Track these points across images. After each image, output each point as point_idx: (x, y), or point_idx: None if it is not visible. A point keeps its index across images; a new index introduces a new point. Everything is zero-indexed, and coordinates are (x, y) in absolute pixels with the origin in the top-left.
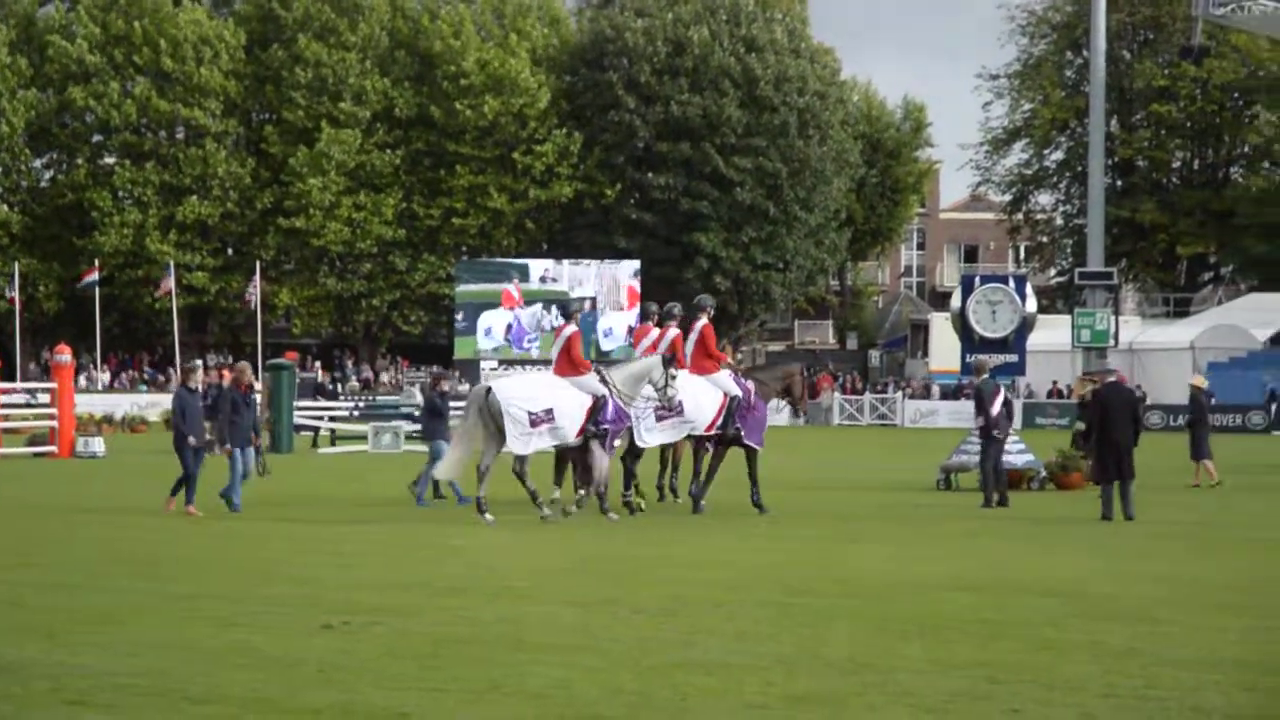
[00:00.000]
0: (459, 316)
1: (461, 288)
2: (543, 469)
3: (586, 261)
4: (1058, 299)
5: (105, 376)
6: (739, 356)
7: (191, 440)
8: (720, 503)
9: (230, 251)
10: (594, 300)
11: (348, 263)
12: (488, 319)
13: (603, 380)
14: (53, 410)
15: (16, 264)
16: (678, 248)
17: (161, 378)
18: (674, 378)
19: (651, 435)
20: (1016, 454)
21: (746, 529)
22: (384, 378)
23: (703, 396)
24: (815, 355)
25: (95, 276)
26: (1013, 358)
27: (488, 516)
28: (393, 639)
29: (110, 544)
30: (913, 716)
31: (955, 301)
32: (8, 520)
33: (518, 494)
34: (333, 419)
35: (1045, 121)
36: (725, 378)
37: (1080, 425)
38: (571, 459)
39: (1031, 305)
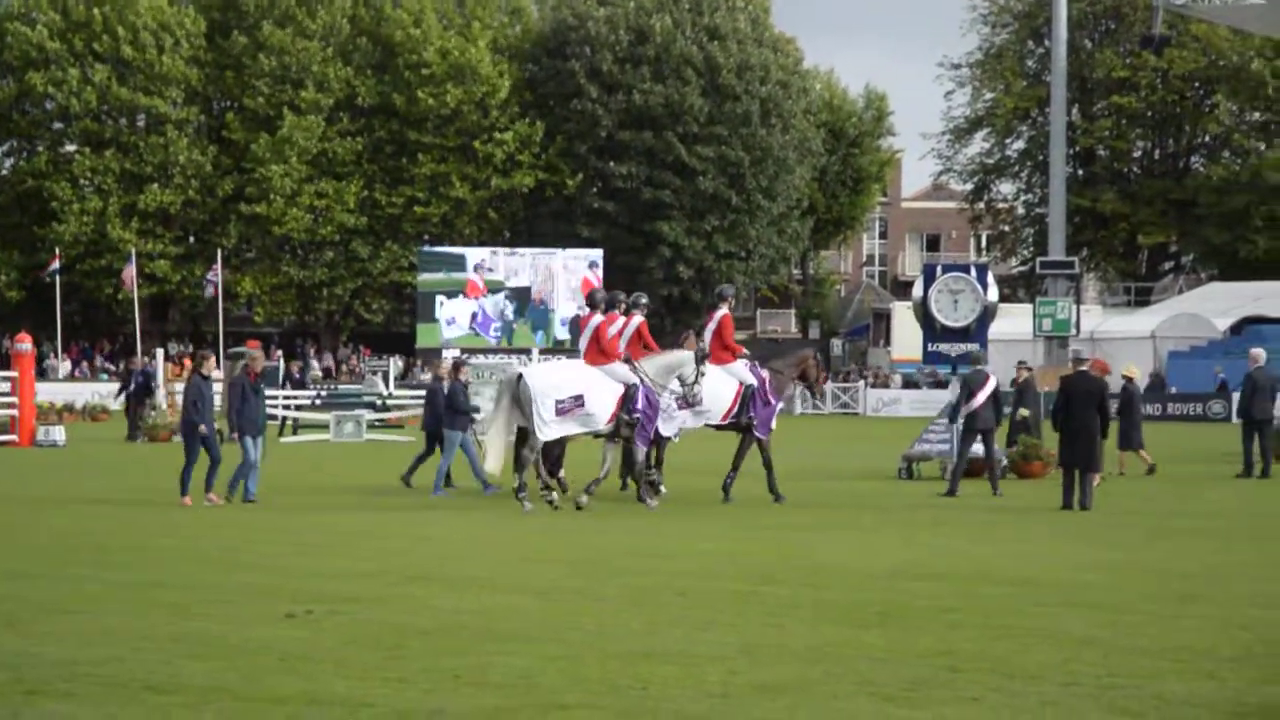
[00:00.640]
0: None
1: (424, 276)
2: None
3: (522, 251)
4: (1019, 288)
5: (66, 365)
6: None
7: (202, 429)
8: (684, 491)
9: (192, 240)
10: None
11: (309, 251)
12: (451, 308)
13: (633, 369)
14: (13, 399)
15: None
16: (640, 237)
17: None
18: (703, 374)
19: (669, 425)
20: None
21: (710, 518)
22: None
23: (720, 386)
24: (778, 344)
25: (58, 265)
26: (974, 347)
27: (527, 504)
28: (356, 628)
29: (70, 533)
30: (874, 705)
31: (917, 290)
32: None
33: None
34: (296, 408)
35: (1007, 111)
36: (741, 368)
37: (1024, 412)
38: (554, 452)
39: (993, 294)
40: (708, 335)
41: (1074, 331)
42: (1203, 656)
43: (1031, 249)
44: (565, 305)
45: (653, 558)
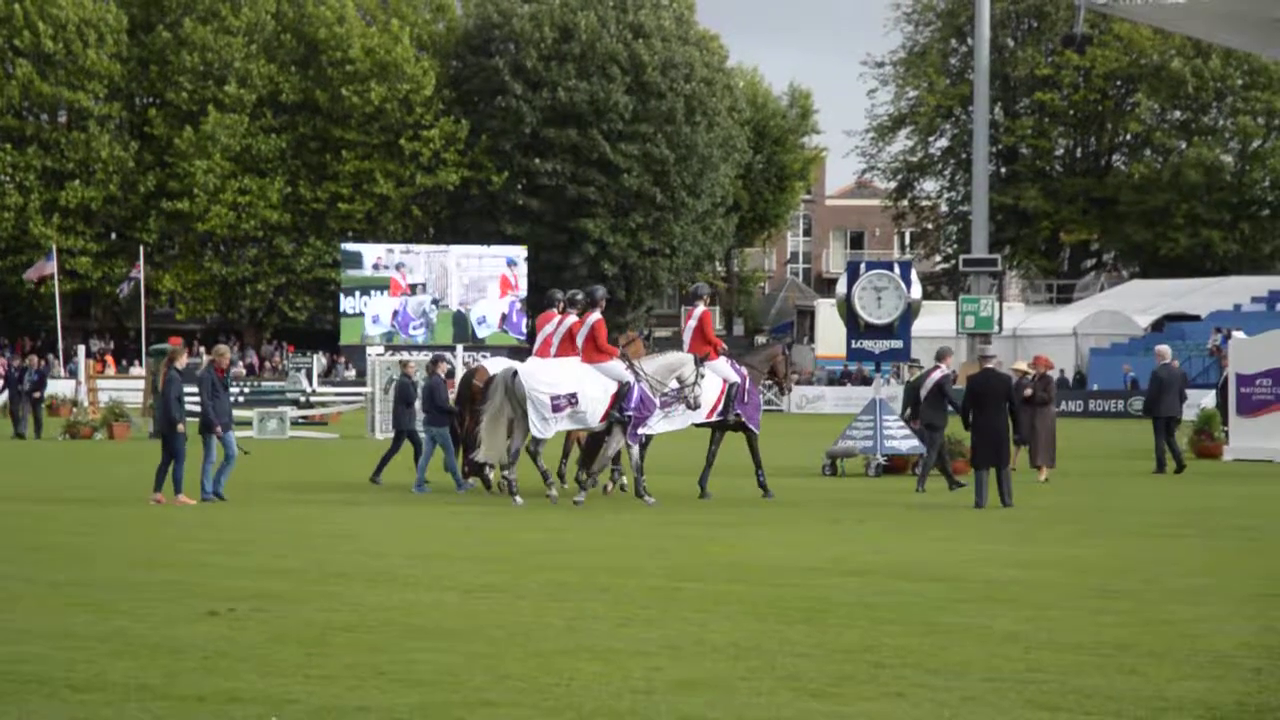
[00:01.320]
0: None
1: (348, 273)
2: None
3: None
4: (943, 285)
5: None
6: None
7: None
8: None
9: (113, 236)
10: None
11: (232, 247)
12: (374, 306)
13: (630, 368)
14: None
15: None
16: (565, 234)
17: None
18: (703, 376)
19: (657, 424)
20: (901, 439)
21: (634, 515)
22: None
23: (704, 383)
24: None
25: None
26: (897, 344)
27: (518, 499)
28: (278, 625)
29: None
30: (798, 700)
31: (841, 288)
32: None
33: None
34: None
35: (930, 109)
36: (724, 364)
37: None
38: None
39: (917, 291)
40: (688, 332)
41: (996, 329)
42: (1123, 651)
43: (955, 246)
44: (483, 304)
45: (575, 554)
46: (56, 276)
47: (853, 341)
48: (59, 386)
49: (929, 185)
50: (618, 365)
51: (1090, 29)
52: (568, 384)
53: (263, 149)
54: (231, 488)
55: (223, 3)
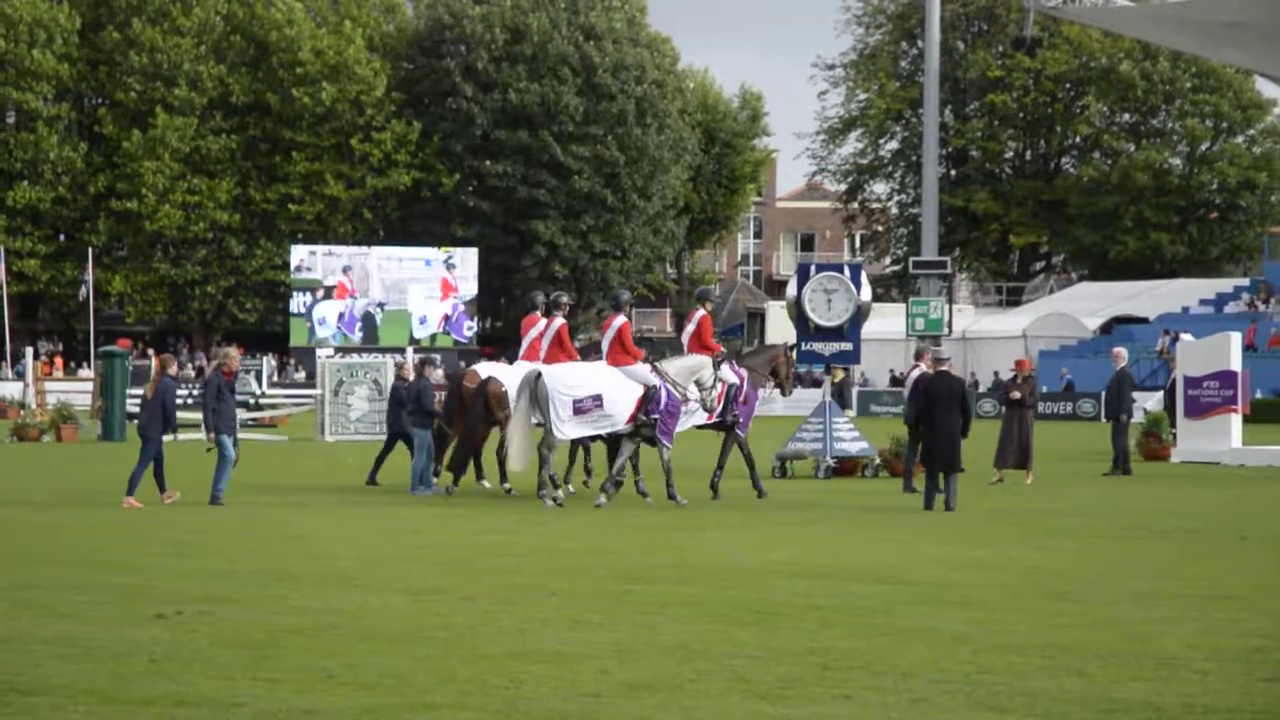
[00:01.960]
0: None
1: (298, 275)
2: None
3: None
4: (893, 288)
5: None
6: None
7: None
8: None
9: (62, 237)
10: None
11: (182, 248)
12: (322, 309)
13: (655, 371)
14: None
15: None
16: (516, 235)
17: None
18: (720, 379)
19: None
20: (850, 441)
21: (583, 517)
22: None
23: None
24: (653, 344)
25: None
26: (847, 346)
27: (548, 501)
28: (225, 628)
29: None
30: (746, 703)
31: (791, 290)
32: None
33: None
34: None
35: (880, 111)
36: (723, 367)
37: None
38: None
39: (866, 294)
40: (686, 335)
41: (946, 331)
42: (1071, 653)
43: (904, 249)
44: (421, 304)
45: (525, 556)
46: (4, 278)
47: (803, 344)
48: (7, 388)
49: (879, 188)
50: (643, 368)
51: (1040, 32)
52: (592, 386)
53: (212, 150)
54: (181, 489)
55: (172, 4)
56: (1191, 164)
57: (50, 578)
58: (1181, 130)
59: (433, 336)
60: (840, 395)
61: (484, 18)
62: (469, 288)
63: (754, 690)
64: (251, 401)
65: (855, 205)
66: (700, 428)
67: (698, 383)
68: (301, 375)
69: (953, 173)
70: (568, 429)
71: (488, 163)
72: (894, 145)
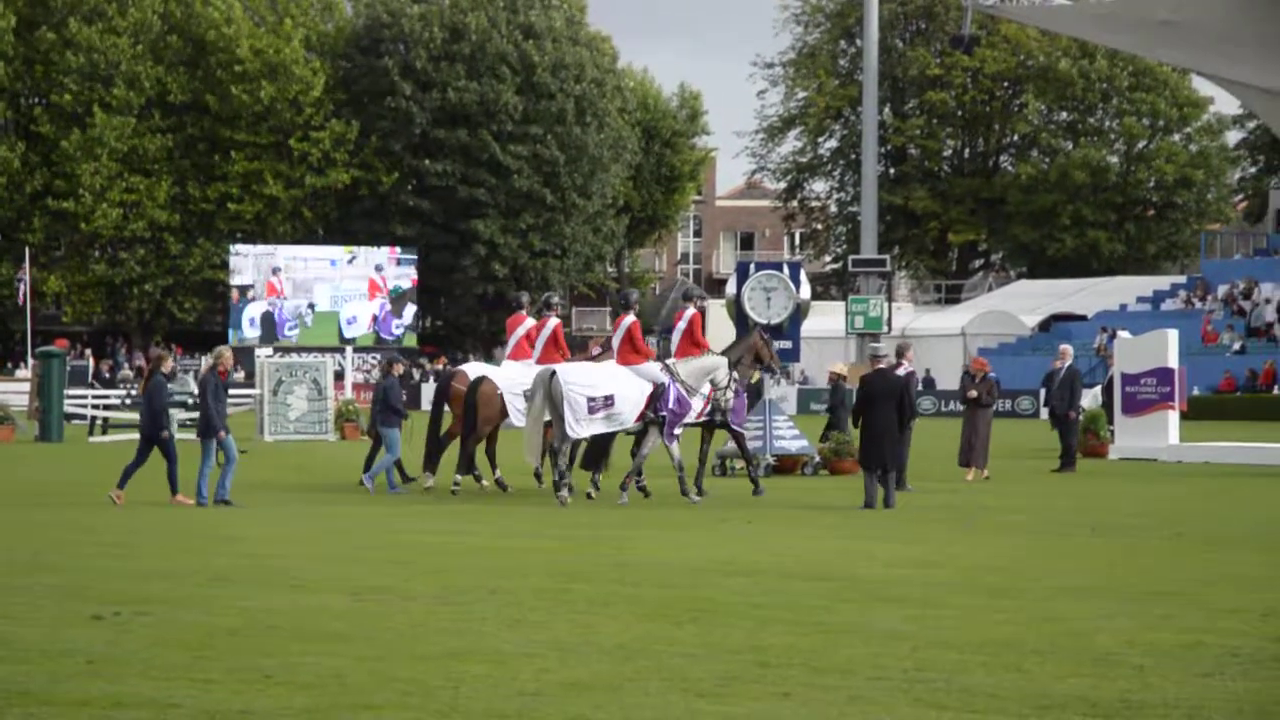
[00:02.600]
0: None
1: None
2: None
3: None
4: (832, 286)
5: None
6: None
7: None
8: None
9: None
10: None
11: (119, 248)
12: (252, 309)
13: (665, 370)
14: None
15: None
16: (455, 235)
17: None
18: (735, 379)
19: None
20: (791, 439)
21: (522, 516)
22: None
23: (634, 388)
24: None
25: None
26: (787, 344)
27: (563, 495)
28: (163, 629)
29: None
30: (685, 700)
31: (730, 288)
32: None
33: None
34: (105, 407)
35: (819, 109)
36: (653, 369)
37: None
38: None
39: (806, 292)
40: (677, 334)
41: (885, 329)
42: (1008, 649)
43: (844, 247)
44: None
45: (463, 556)
46: None
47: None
48: None
49: (818, 186)
50: (653, 367)
51: (978, 30)
52: (605, 386)
53: (150, 149)
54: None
55: (108, 3)
56: (1129, 162)
57: None
58: (1119, 128)
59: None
60: (758, 395)
61: (422, 16)
62: (400, 286)
63: (693, 688)
64: (190, 401)
65: (795, 204)
66: (688, 426)
67: (712, 382)
68: (240, 375)
69: (892, 171)
70: (581, 427)
71: (427, 162)
72: (833, 144)
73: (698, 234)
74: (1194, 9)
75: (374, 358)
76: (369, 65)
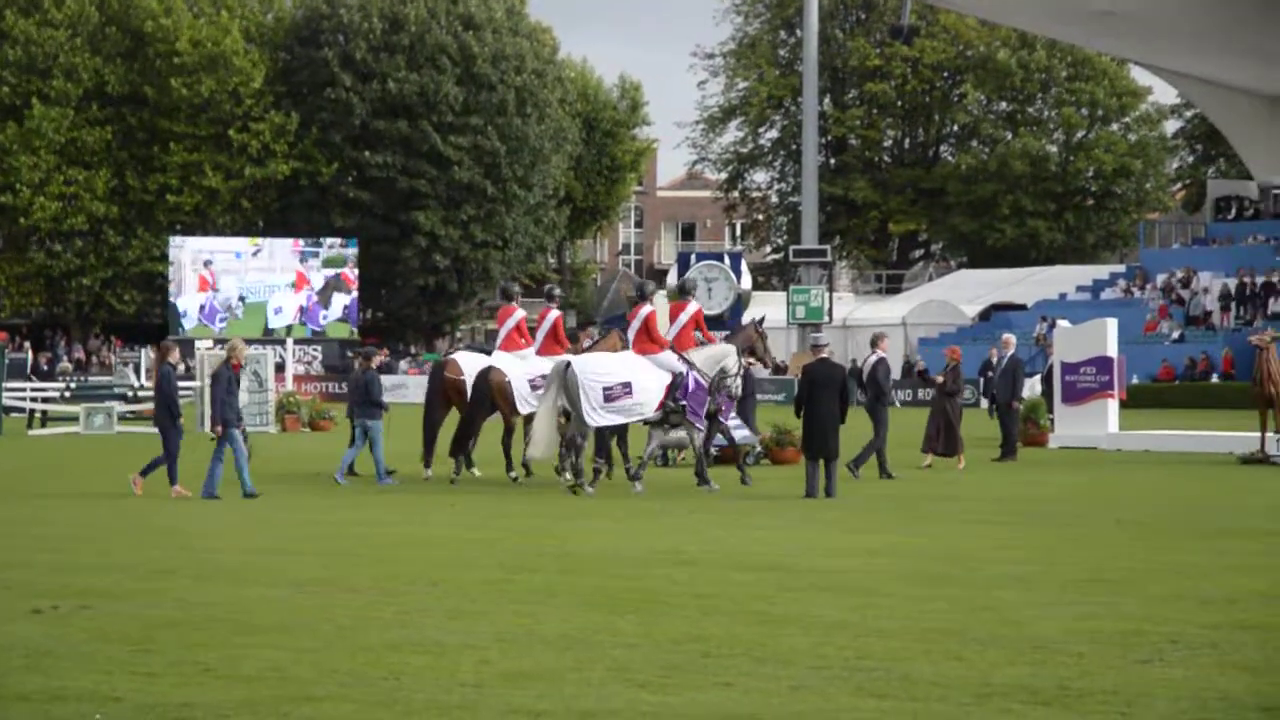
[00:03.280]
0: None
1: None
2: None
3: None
4: (773, 276)
5: None
6: (458, 335)
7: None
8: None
9: None
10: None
11: (57, 240)
12: (184, 301)
13: (681, 359)
14: None
15: None
16: (396, 226)
17: None
18: (746, 365)
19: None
20: (734, 428)
21: (465, 508)
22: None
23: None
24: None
25: None
26: (727, 333)
27: (588, 488)
28: (103, 622)
29: None
30: (627, 691)
31: (672, 278)
32: None
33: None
34: (44, 400)
35: (760, 100)
36: (670, 358)
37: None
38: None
39: (747, 282)
40: (674, 328)
41: (827, 319)
42: (949, 638)
43: (785, 237)
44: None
45: (406, 547)
46: None
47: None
48: None
49: (759, 176)
50: (669, 356)
51: (918, 20)
52: (622, 374)
53: (89, 141)
54: (56, 484)
55: None
56: (1068, 152)
57: None
58: (1058, 118)
59: (289, 328)
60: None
61: (361, 7)
62: (318, 280)
63: (635, 679)
64: (130, 394)
65: (736, 194)
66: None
67: (724, 370)
68: (181, 368)
69: (832, 161)
70: (599, 416)
71: (367, 153)
72: (774, 134)
73: (639, 225)
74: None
75: (314, 349)
76: (308, 56)
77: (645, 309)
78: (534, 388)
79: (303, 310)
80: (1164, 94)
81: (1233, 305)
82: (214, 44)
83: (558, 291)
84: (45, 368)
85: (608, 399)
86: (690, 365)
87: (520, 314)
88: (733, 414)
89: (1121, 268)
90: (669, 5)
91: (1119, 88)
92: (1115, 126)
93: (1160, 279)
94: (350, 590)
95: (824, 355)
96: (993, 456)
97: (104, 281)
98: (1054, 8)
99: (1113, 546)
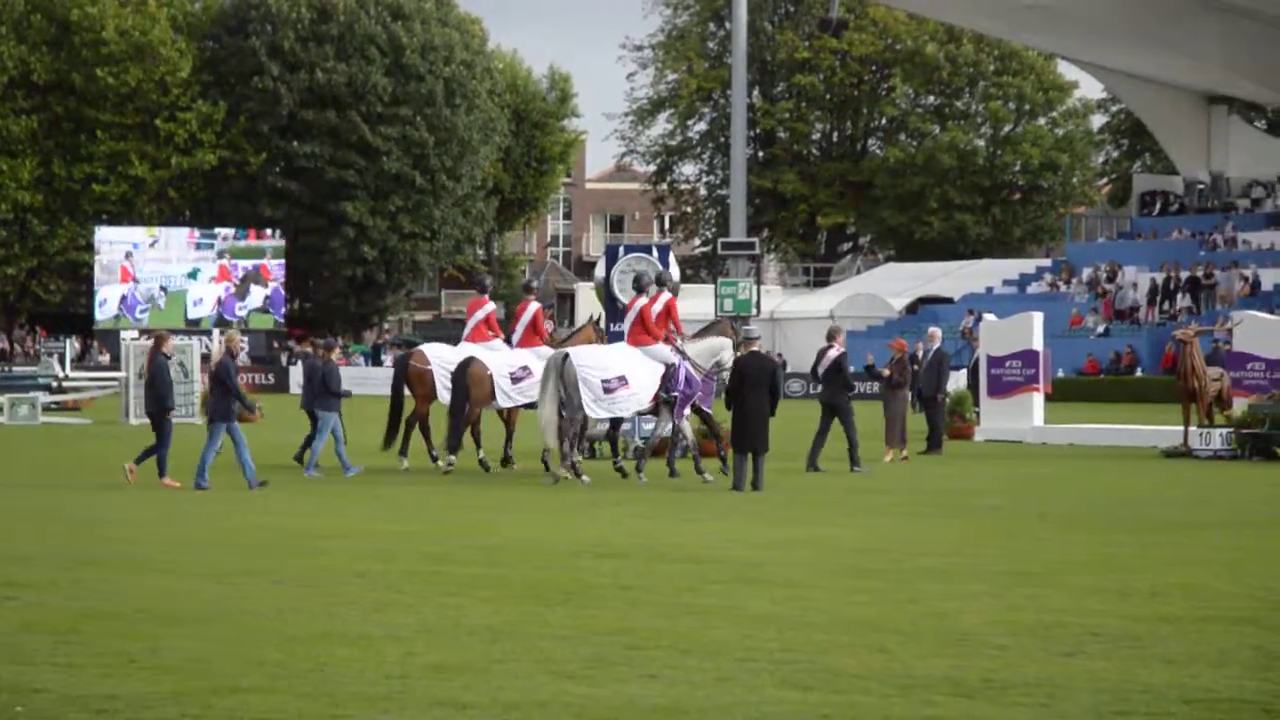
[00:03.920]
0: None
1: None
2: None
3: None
4: (702, 268)
5: None
6: (386, 327)
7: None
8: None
9: None
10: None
11: None
12: (104, 291)
13: (675, 350)
14: None
15: None
16: (324, 216)
17: None
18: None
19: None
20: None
21: (391, 499)
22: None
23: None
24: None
25: None
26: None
27: (584, 478)
28: (27, 614)
29: None
30: (553, 682)
31: (600, 271)
32: None
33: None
34: None
35: (689, 92)
36: (664, 350)
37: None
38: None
39: (675, 274)
40: (626, 323)
41: (755, 312)
42: (873, 630)
43: (713, 230)
44: (197, 288)
45: (332, 539)
46: None
47: (612, 324)
48: None
49: (688, 169)
50: (663, 348)
51: (846, 13)
52: (617, 367)
53: (14, 130)
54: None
55: None
56: (995, 146)
57: None
58: (985, 112)
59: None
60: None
61: None
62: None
63: (561, 670)
64: (54, 385)
65: (664, 186)
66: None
67: (718, 363)
68: (106, 358)
69: (761, 154)
70: (600, 408)
71: (295, 143)
72: (702, 126)
73: (567, 216)
74: None
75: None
76: (236, 46)
77: (640, 301)
78: (515, 380)
79: (220, 301)
80: (1090, 89)
81: (1158, 299)
82: (141, 33)
83: (536, 284)
84: None
85: (606, 390)
86: (684, 356)
87: (490, 306)
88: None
89: (1048, 262)
90: None
91: (1046, 82)
92: (1042, 121)
93: (1086, 273)
94: (276, 581)
95: (754, 348)
96: (919, 449)
97: (29, 271)
98: (983, 1)
99: (1036, 539)
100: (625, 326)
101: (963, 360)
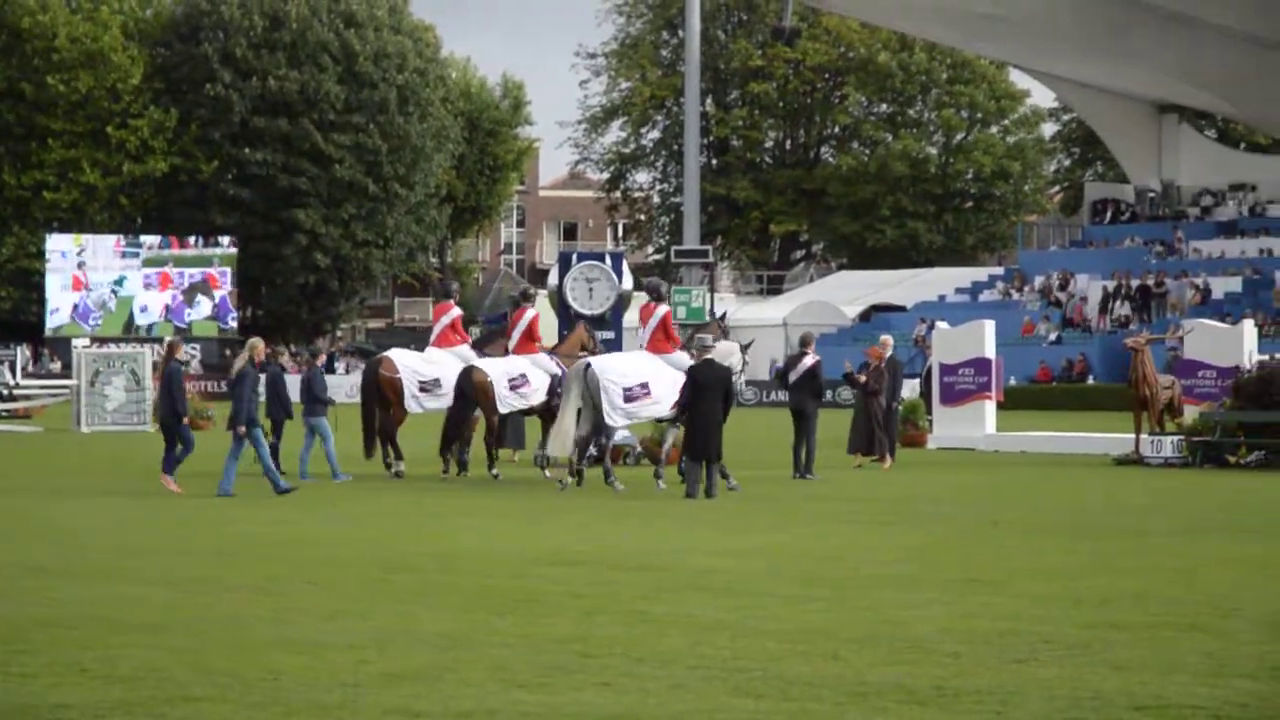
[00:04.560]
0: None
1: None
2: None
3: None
4: (655, 276)
5: None
6: (338, 335)
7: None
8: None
9: None
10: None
11: None
12: (56, 299)
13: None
14: None
15: None
16: (277, 224)
17: None
18: (748, 363)
19: (620, 419)
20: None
21: (344, 506)
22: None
23: (666, 378)
24: (416, 333)
25: None
26: (609, 335)
27: (617, 485)
28: None
29: None
30: (505, 691)
31: (553, 278)
32: None
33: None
34: None
35: (643, 100)
36: (683, 358)
37: None
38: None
39: (628, 282)
40: (647, 332)
41: (708, 319)
42: (826, 638)
43: (667, 237)
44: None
45: (285, 546)
46: None
47: (564, 332)
48: None
49: (641, 177)
50: (682, 355)
51: (799, 22)
52: (640, 375)
53: None
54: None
55: None
56: (947, 154)
57: None
58: (938, 120)
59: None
60: None
61: (242, 4)
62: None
63: (514, 679)
64: (4, 392)
65: (618, 194)
66: (660, 421)
67: (728, 369)
68: (57, 366)
69: (714, 161)
70: (619, 417)
71: (247, 150)
72: (656, 134)
73: (521, 224)
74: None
75: (193, 348)
76: (188, 53)
77: (661, 309)
78: (513, 387)
79: (167, 309)
80: (1042, 97)
81: (1110, 307)
82: (92, 40)
83: (532, 291)
84: None
85: (628, 399)
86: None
87: (456, 311)
88: None
89: (1000, 270)
90: (552, 5)
91: (998, 91)
92: (994, 129)
93: (1038, 281)
94: (228, 589)
95: (708, 356)
96: (872, 457)
97: None
98: (935, 10)
99: (989, 547)
100: (645, 335)
101: (915, 368)
